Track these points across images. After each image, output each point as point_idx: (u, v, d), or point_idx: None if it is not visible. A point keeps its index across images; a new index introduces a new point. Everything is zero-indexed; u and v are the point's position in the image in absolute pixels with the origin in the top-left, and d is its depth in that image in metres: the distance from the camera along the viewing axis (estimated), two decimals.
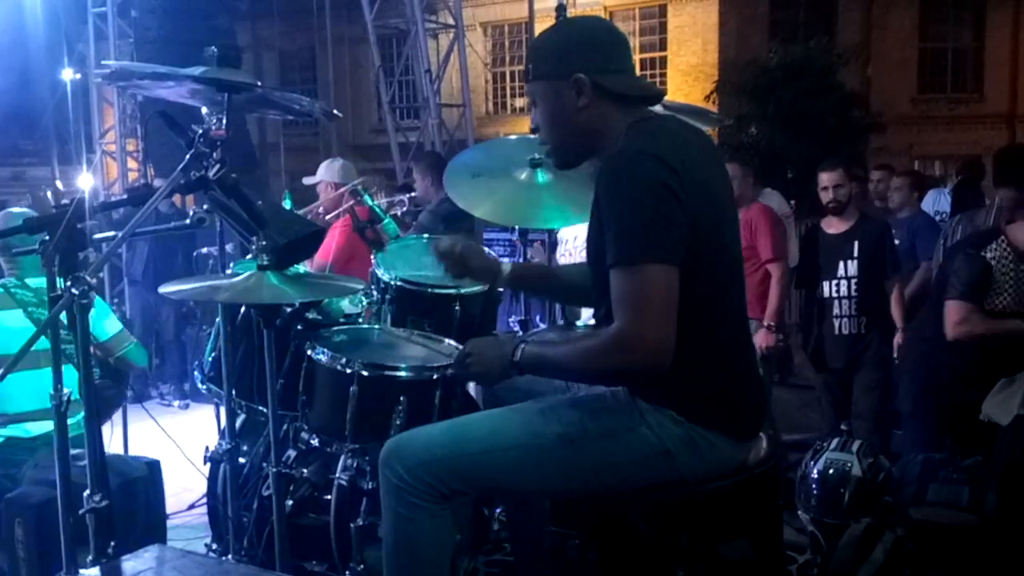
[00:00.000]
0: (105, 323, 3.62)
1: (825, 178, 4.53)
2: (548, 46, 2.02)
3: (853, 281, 4.42)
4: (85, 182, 11.02)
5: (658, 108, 3.16)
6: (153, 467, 3.19)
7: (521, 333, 3.54)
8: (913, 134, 17.54)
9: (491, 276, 2.33)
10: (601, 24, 2.07)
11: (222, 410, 2.95)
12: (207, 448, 2.96)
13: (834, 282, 4.47)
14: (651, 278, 1.77)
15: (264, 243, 2.27)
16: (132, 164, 10.59)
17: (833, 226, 4.56)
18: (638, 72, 2.15)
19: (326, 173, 4.92)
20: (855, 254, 4.43)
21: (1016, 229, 3.50)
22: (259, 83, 2.10)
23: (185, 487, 4.21)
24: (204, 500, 3.38)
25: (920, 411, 3.83)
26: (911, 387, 3.88)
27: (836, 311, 4.46)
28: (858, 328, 4.44)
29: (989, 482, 3.07)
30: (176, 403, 6.76)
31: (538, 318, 5.03)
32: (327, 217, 4.02)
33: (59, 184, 14.01)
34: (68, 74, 12.61)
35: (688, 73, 17.32)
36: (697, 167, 1.86)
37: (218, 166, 1.91)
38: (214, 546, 2.98)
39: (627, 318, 1.78)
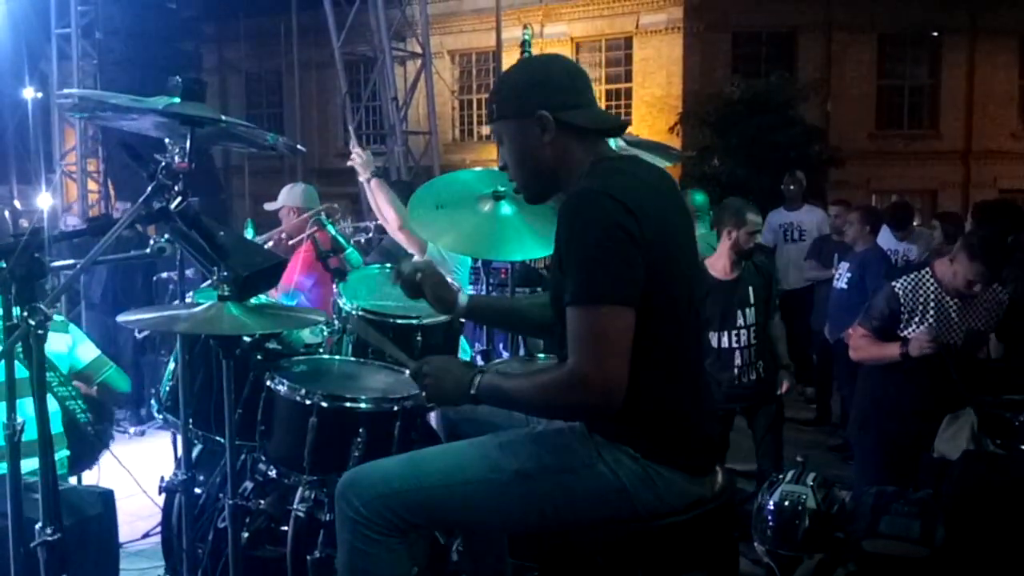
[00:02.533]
0: (80, 349, 3.54)
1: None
2: (511, 86, 2.07)
3: (752, 329, 4.22)
4: (44, 202, 10.86)
5: (621, 143, 3.23)
6: (107, 498, 3.13)
7: (483, 363, 3.56)
8: (871, 168, 17.89)
9: (446, 307, 2.34)
10: (559, 61, 2.11)
11: (179, 438, 2.92)
12: (162, 478, 2.93)
13: (734, 332, 4.23)
14: (607, 319, 1.79)
15: (225, 274, 2.26)
16: (92, 185, 10.48)
17: (720, 271, 4.27)
18: (603, 104, 2.20)
19: (288, 198, 4.90)
20: (751, 301, 4.22)
21: (940, 263, 3.62)
22: (223, 118, 2.10)
23: (140, 515, 4.14)
24: (159, 528, 3.33)
25: (863, 443, 3.93)
26: (855, 421, 3.98)
27: (738, 361, 4.24)
28: (757, 374, 4.26)
29: (939, 515, 3.13)
30: (132, 429, 6.65)
31: (501, 347, 5.06)
32: (290, 243, 4.01)
33: (17, 203, 13.79)
34: (29, 93, 12.47)
35: (653, 105, 17.56)
36: (655, 209, 1.89)
37: (180, 198, 1.91)
38: None
39: (581, 357, 1.80)
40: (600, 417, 1.87)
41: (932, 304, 3.53)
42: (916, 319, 3.56)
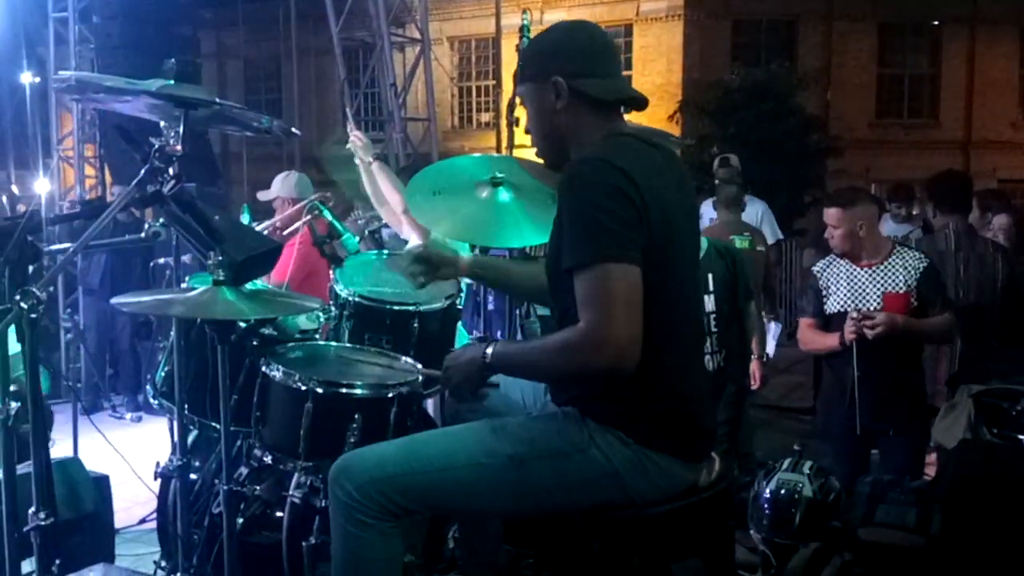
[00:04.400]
0: None
1: None
2: (534, 50, 2.12)
3: (712, 316, 4.09)
4: (42, 187, 10.82)
5: None
6: (102, 484, 3.13)
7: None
8: (870, 158, 17.88)
9: (453, 271, 2.42)
10: (584, 29, 2.10)
11: (175, 424, 2.91)
12: (158, 464, 2.92)
13: None
14: (612, 276, 1.79)
15: (221, 258, 2.25)
16: (90, 170, 10.43)
17: None
18: None
19: (282, 188, 4.86)
20: (710, 288, 4.10)
21: (833, 243, 3.77)
22: (217, 100, 2.09)
23: (136, 500, 4.14)
24: (155, 514, 3.33)
25: (827, 432, 3.95)
26: (820, 408, 4.02)
27: None
28: (718, 364, 4.10)
29: (935, 504, 3.13)
30: (128, 415, 6.65)
31: (499, 333, 5.06)
32: (284, 233, 3.99)
33: (15, 188, 13.74)
34: (27, 78, 12.39)
35: (652, 92, 17.41)
36: (655, 182, 1.90)
37: (174, 181, 1.90)
38: (163, 564, 2.94)
39: (593, 317, 1.79)
40: (616, 377, 1.84)
41: (844, 278, 3.69)
42: (832, 294, 3.70)
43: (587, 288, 1.80)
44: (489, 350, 1.98)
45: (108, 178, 10.15)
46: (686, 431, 2.00)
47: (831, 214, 3.67)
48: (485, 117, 19.90)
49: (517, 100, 3.71)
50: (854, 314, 3.54)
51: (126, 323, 6.97)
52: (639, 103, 2.12)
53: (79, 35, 9.54)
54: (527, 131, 2.14)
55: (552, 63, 2.01)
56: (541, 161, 2.22)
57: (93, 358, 6.98)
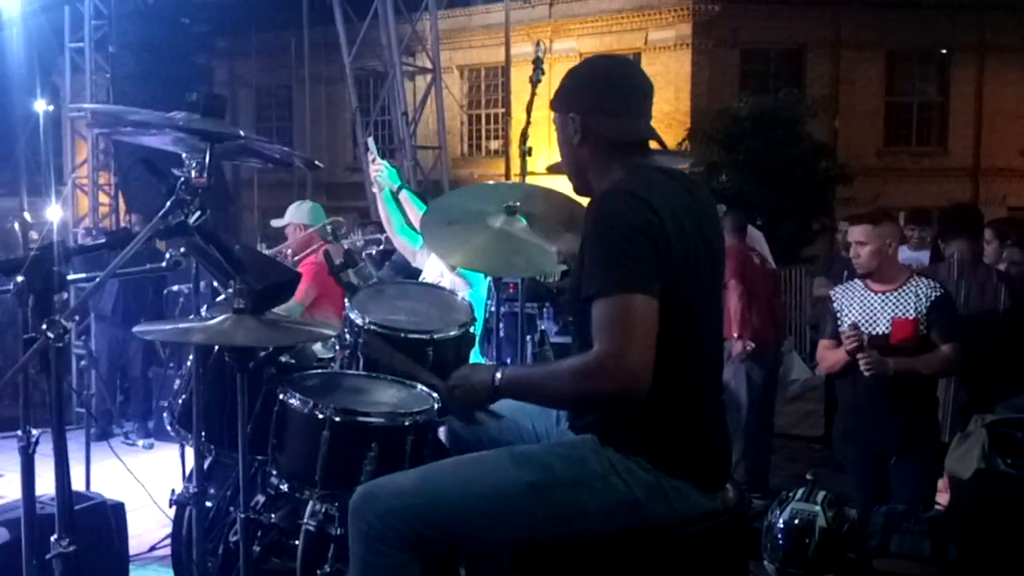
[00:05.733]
0: None
1: None
2: (563, 82, 2.16)
3: None
4: (54, 214, 10.92)
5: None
6: (117, 511, 3.14)
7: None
8: (879, 185, 17.89)
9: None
10: (608, 66, 2.18)
11: (188, 451, 2.92)
12: (173, 491, 2.93)
13: None
14: (632, 306, 1.80)
15: (241, 287, 2.28)
16: (103, 198, 10.52)
17: None
18: None
19: (294, 215, 4.94)
20: None
21: (859, 262, 3.80)
22: (242, 133, 2.12)
23: (148, 528, 4.15)
24: (167, 541, 3.34)
25: (844, 453, 3.95)
26: (836, 433, 4.02)
27: None
28: None
29: (950, 534, 3.12)
30: (140, 442, 6.66)
31: (509, 361, 5.08)
32: (295, 258, 4.04)
33: (27, 215, 13.86)
34: (41, 105, 12.55)
35: (661, 120, 17.60)
36: (680, 218, 1.92)
37: (198, 213, 1.93)
38: None
39: (607, 343, 1.80)
40: (625, 403, 1.84)
41: (857, 301, 3.72)
42: (845, 317, 3.72)
43: (605, 316, 1.82)
44: (499, 374, 1.99)
45: (122, 206, 10.24)
46: (704, 458, 2.01)
47: (859, 231, 3.68)
48: (495, 144, 20.03)
49: (529, 130, 3.78)
50: (847, 327, 3.59)
51: (138, 349, 6.99)
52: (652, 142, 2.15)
53: (95, 64, 9.66)
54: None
55: (571, 98, 2.09)
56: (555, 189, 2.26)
57: (105, 384, 7.00)
